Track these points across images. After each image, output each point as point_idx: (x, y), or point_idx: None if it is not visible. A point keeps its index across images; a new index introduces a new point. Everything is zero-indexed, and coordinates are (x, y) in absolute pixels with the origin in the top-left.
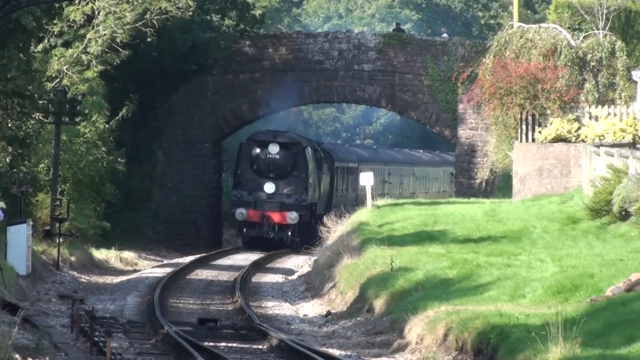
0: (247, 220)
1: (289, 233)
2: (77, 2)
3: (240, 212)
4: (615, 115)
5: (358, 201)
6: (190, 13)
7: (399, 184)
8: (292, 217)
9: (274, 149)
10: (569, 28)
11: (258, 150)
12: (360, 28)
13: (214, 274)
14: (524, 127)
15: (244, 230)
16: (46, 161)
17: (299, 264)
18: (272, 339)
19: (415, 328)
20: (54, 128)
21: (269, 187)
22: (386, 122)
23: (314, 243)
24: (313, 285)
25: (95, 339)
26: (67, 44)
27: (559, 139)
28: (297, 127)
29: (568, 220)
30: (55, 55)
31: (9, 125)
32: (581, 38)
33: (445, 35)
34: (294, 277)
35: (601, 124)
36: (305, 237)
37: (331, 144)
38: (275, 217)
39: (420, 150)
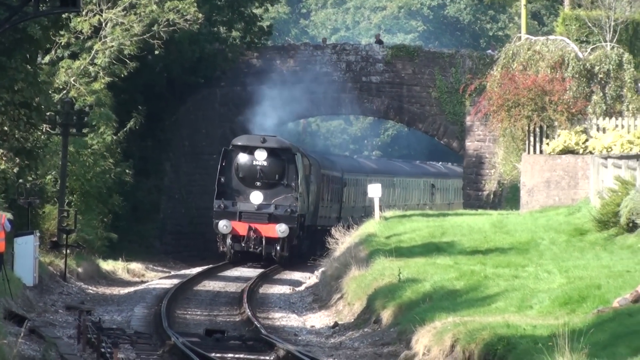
0: (232, 233)
1: (278, 247)
2: (84, 13)
3: (225, 225)
4: (622, 127)
5: (342, 213)
6: (198, 25)
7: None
8: (281, 229)
9: (261, 155)
10: (576, 40)
11: (244, 157)
12: (368, 40)
13: (222, 285)
14: (531, 139)
15: (229, 244)
16: (53, 172)
17: (306, 275)
18: (279, 350)
19: (422, 339)
20: (61, 139)
21: (256, 197)
22: (394, 133)
23: (306, 258)
24: (320, 296)
25: (102, 350)
26: (74, 56)
27: (566, 151)
28: (305, 138)
29: (575, 231)
30: (63, 66)
31: (16, 136)
32: (589, 50)
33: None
34: (302, 288)
35: (609, 135)
36: (294, 252)
37: (314, 151)
38: (263, 229)
39: (400, 160)
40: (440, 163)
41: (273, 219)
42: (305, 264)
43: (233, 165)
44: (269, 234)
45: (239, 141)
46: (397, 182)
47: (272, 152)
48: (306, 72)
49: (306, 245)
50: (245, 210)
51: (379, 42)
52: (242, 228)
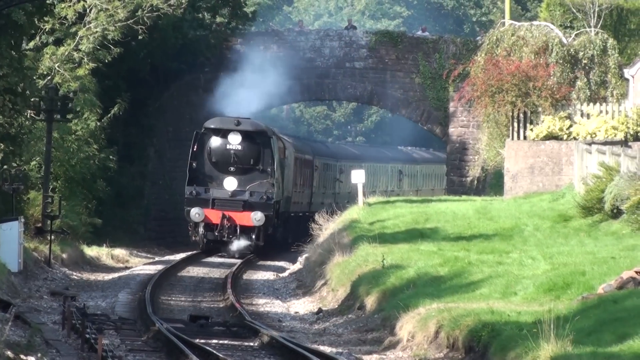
0: (205, 221)
1: (253, 236)
2: None
3: (197, 213)
4: (607, 113)
5: (313, 199)
6: (182, 10)
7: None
8: (257, 217)
9: (235, 139)
10: (560, 26)
11: (217, 141)
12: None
13: (205, 271)
14: (515, 124)
15: (201, 233)
16: (38, 158)
17: (290, 261)
18: (264, 336)
19: (406, 325)
20: (46, 125)
21: (230, 184)
22: (377, 119)
23: (280, 247)
24: (304, 282)
25: (87, 335)
26: (58, 42)
27: (550, 137)
28: (289, 124)
29: (560, 218)
30: (47, 53)
31: (0, 122)
32: (573, 36)
33: (426, 33)
34: (285, 274)
35: (593, 121)
36: (269, 242)
37: (283, 132)
38: (238, 218)
39: (367, 145)
40: (409, 148)
41: (248, 206)
42: (281, 254)
43: (205, 150)
44: (243, 222)
45: (212, 124)
46: (365, 167)
47: (246, 136)
48: (289, 57)
49: (280, 234)
50: (219, 197)
51: (352, 27)
52: (215, 216)
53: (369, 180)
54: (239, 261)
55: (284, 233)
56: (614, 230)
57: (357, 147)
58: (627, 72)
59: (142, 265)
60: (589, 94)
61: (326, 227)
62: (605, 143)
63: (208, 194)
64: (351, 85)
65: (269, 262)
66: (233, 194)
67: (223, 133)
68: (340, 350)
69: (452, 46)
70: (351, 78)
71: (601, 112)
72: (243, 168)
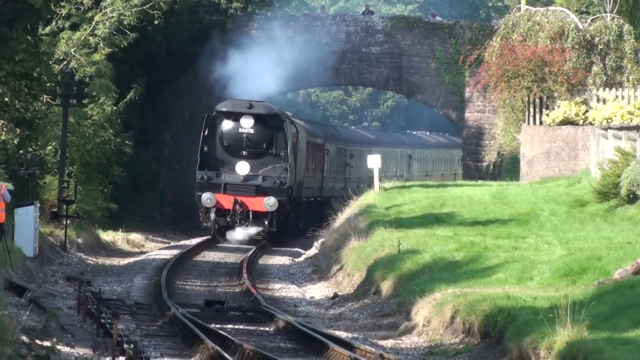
0: (216, 207)
1: (266, 222)
2: None
3: (208, 198)
4: (623, 98)
5: (324, 184)
6: None
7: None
8: (269, 203)
9: (247, 122)
10: (576, 11)
11: (229, 124)
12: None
13: (221, 255)
14: (531, 109)
15: (213, 218)
16: (54, 143)
17: (307, 246)
18: (279, 321)
19: (422, 310)
20: (62, 110)
21: (242, 168)
22: (393, 104)
23: (292, 234)
24: (320, 267)
25: (102, 320)
26: (74, 27)
27: (566, 122)
28: (305, 109)
29: (576, 203)
30: (63, 37)
31: (17, 107)
32: (589, 21)
33: (437, 18)
34: (301, 259)
35: (609, 106)
36: (281, 229)
37: (295, 116)
38: (250, 203)
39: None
40: (419, 132)
41: (261, 191)
42: (293, 241)
43: (217, 133)
44: (256, 207)
45: (224, 107)
46: (374, 152)
47: (259, 119)
48: (306, 42)
49: (292, 220)
50: (231, 182)
51: (369, 12)
52: (227, 201)
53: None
54: (255, 246)
55: (296, 219)
56: (630, 215)
57: (367, 132)
58: None
59: (158, 250)
60: (604, 79)
61: (342, 212)
62: (621, 128)
63: (220, 178)
64: (367, 70)
65: (284, 247)
66: (245, 179)
67: (235, 116)
68: (355, 335)
69: (468, 31)
70: (367, 63)
71: (617, 97)
72: (255, 152)
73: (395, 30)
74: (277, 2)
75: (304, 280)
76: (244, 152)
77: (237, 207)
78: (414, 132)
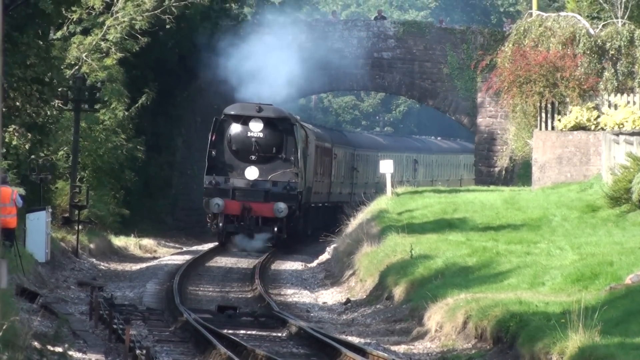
0: (225, 212)
1: (275, 229)
2: None
3: (217, 203)
4: (634, 103)
5: (332, 189)
6: (209, 0)
7: (366, 172)
8: (279, 209)
9: (257, 126)
10: (587, 17)
11: (237, 128)
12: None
13: (233, 261)
14: (543, 115)
15: (221, 225)
16: (65, 148)
17: (316, 253)
18: (292, 327)
19: (434, 316)
20: (73, 115)
21: (251, 173)
22: (405, 110)
23: (301, 241)
24: (332, 272)
25: (114, 326)
26: (86, 32)
27: (578, 127)
28: (317, 114)
29: (587, 208)
30: (74, 42)
31: (28, 112)
32: (600, 27)
33: (443, 25)
34: (314, 264)
35: (620, 112)
36: (290, 235)
37: (304, 120)
38: (259, 209)
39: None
40: (425, 137)
41: (270, 197)
42: (304, 249)
43: (225, 137)
44: (265, 213)
45: (232, 110)
46: (380, 156)
47: (268, 123)
48: (317, 48)
49: (301, 226)
50: (239, 187)
51: (382, 17)
52: (235, 207)
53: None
54: (264, 253)
55: (304, 225)
56: None
57: (373, 136)
58: None
59: (170, 256)
60: (616, 85)
61: (355, 217)
62: (632, 134)
63: (228, 183)
64: (379, 76)
65: (297, 253)
66: (254, 184)
67: (244, 120)
68: (368, 340)
69: (479, 37)
70: (379, 68)
71: (628, 102)
72: (265, 157)
73: (407, 36)
74: (289, 8)
75: (317, 286)
76: (253, 157)
77: (246, 213)
78: (421, 137)
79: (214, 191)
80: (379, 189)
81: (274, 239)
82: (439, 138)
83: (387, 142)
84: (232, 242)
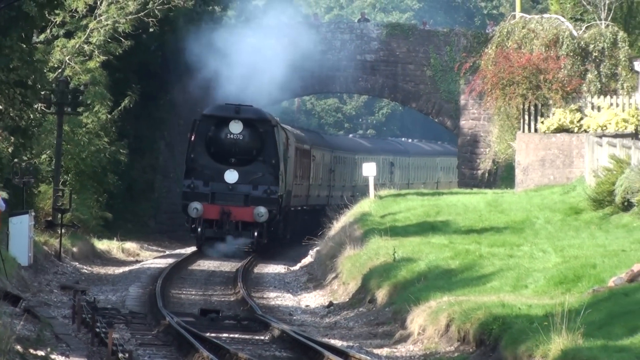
0: (203, 217)
1: (255, 233)
2: None
3: (195, 208)
4: (617, 105)
5: (310, 191)
6: (192, 3)
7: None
8: (260, 213)
9: (236, 127)
10: (571, 18)
11: (216, 130)
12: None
13: (216, 264)
14: (526, 117)
15: (199, 229)
16: (48, 152)
17: (297, 257)
18: (274, 330)
19: (417, 319)
20: (56, 118)
21: (231, 176)
22: (388, 112)
23: (281, 245)
24: (315, 276)
25: (97, 330)
26: (69, 35)
27: (561, 129)
28: (300, 117)
29: (570, 210)
30: (58, 45)
31: (11, 115)
32: (583, 28)
33: (427, 27)
34: (296, 267)
35: (603, 114)
36: (270, 239)
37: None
38: (239, 213)
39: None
40: (404, 139)
41: (250, 201)
42: (284, 253)
43: (204, 140)
44: (245, 218)
45: (210, 111)
46: (358, 159)
47: (248, 124)
48: (301, 50)
49: (281, 231)
50: (218, 190)
51: (365, 20)
52: (214, 211)
53: (359, 172)
54: (245, 258)
55: (284, 229)
56: (624, 222)
57: (350, 139)
58: (638, 65)
59: (153, 259)
60: (599, 87)
61: (337, 220)
62: (615, 136)
63: (207, 187)
64: (362, 78)
65: (279, 256)
66: (233, 188)
67: (223, 121)
68: (351, 343)
69: (463, 39)
70: (362, 71)
71: (612, 104)
72: (244, 159)
73: (390, 38)
74: (272, 10)
75: (299, 289)
76: (233, 159)
77: (225, 217)
78: (400, 139)
79: (193, 195)
80: (356, 192)
81: (254, 244)
82: (423, 140)
83: (365, 145)
84: (208, 246)
